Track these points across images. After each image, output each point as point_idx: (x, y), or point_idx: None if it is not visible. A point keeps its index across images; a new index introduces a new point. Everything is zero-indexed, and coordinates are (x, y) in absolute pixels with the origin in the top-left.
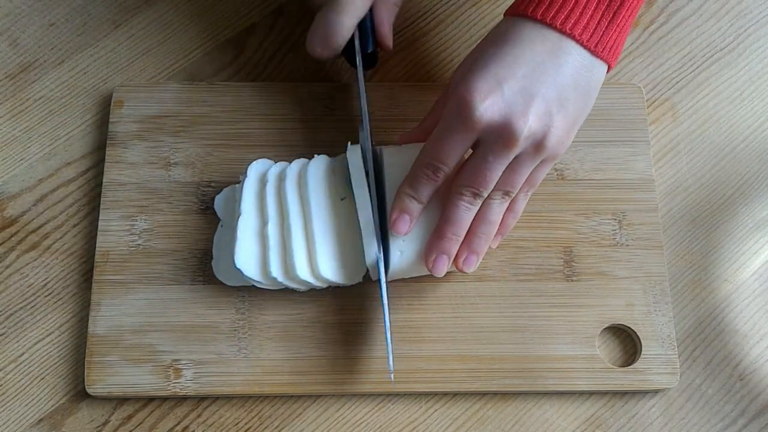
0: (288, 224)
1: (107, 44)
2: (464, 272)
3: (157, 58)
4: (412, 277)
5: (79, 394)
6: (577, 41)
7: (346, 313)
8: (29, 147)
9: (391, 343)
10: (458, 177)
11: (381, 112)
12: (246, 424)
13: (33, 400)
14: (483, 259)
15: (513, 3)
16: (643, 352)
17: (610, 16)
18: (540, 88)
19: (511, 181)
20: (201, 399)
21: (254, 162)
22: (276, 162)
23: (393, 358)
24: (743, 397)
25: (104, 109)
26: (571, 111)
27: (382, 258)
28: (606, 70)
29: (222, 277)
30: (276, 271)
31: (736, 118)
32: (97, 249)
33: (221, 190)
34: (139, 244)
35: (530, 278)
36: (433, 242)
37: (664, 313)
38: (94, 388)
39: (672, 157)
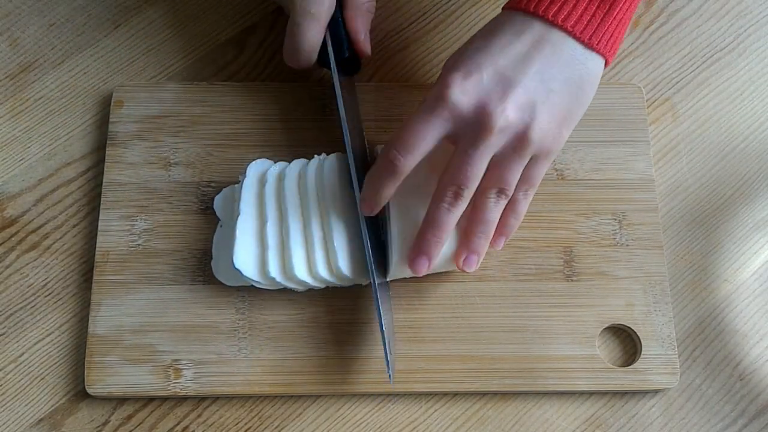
0: (287, 224)
1: (107, 44)
2: (465, 272)
3: (157, 58)
4: (412, 277)
5: (79, 394)
6: (569, 33)
7: (346, 313)
8: (29, 147)
9: (390, 346)
10: (441, 177)
11: (380, 112)
12: (246, 424)
13: (33, 400)
14: (483, 259)
15: None
16: (643, 352)
17: (606, 8)
18: (522, 78)
19: (502, 178)
20: (201, 399)
21: (253, 162)
22: (275, 162)
23: (393, 358)
24: (743, 397)
25: (104, 109)
26: (558, 104)
27: (372, 261)
28: (603, 64)
29: (221, 277)
30: (274, 271)
31: (736, 118)
32: (97, 249)
33: (221, 190)
34: (139, 244)
35: (530, 278)
36: (415, 242)
37: (664, 313)
38: (94, 388)
39: (672, 157)
